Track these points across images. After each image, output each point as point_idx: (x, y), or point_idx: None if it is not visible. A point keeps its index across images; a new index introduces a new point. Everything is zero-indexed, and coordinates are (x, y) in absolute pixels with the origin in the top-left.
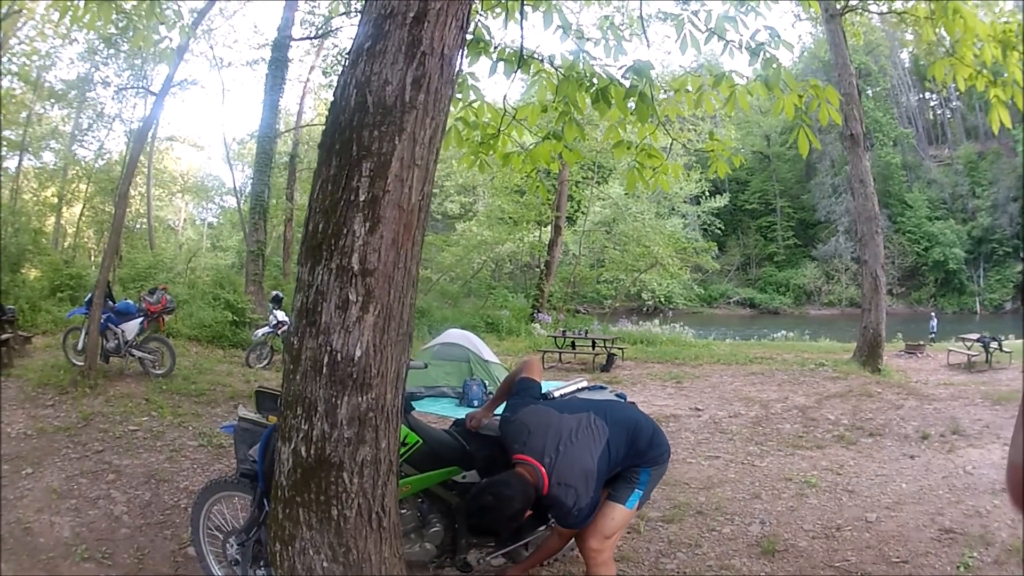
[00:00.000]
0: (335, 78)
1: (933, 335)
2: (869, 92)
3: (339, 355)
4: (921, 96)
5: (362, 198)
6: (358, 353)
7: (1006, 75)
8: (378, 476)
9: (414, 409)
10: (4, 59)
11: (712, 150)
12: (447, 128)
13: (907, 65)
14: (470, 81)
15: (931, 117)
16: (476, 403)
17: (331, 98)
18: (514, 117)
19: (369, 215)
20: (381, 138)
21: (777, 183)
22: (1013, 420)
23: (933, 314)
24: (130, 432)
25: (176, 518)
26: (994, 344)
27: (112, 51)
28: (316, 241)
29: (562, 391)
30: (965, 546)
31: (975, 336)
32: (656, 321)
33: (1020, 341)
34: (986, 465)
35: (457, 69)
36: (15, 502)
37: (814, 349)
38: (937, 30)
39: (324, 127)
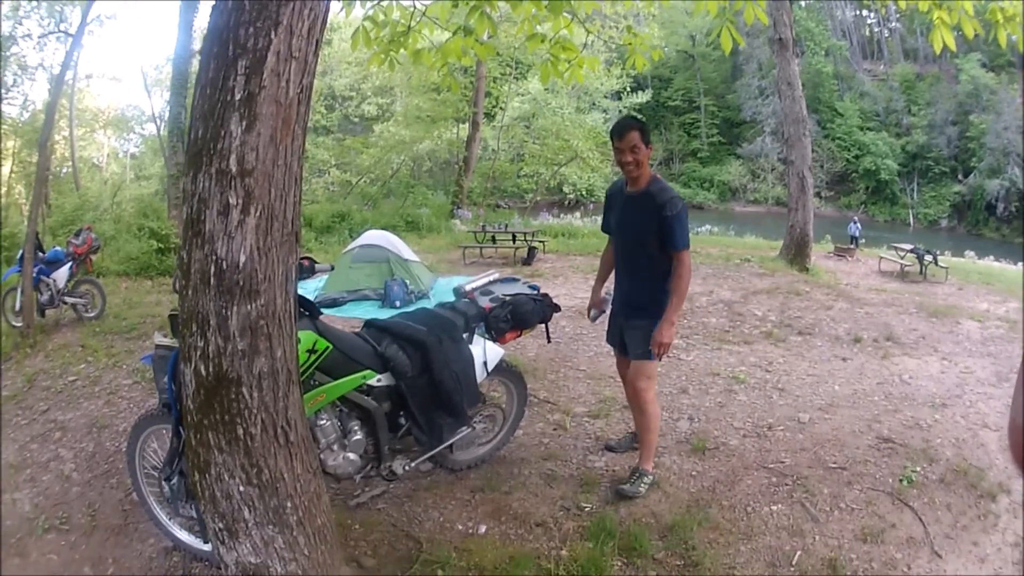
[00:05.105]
0: None
1: (855, 239)
2: (801, 3)
3: (224, 263)
4: (857, 13)
5: (238, 97)
6: (242, 259)
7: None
8: (278, 388)
9: (322, 313)
10: None
11: (630, 44)
12: (356, 30)
13: None
14: None
15: (867, 34)
16: (398, 303)
17: None
18: (424, 14)
19: (246, 113)
20: (257, 34)
21: (702, 82)
22: (950, 334)
23: (855, 219)
24: (70, 384)
25: (119, 464)
26: (928, 257)
27: (35, 4)
28: (196, 148)
29: (473, 284)
30: (907, 459)
31: (909, 247)
32: (577, 214)
33: (957, 259)
34: (924, 377)
35: None
36: None
37: (739, 245)
38: None
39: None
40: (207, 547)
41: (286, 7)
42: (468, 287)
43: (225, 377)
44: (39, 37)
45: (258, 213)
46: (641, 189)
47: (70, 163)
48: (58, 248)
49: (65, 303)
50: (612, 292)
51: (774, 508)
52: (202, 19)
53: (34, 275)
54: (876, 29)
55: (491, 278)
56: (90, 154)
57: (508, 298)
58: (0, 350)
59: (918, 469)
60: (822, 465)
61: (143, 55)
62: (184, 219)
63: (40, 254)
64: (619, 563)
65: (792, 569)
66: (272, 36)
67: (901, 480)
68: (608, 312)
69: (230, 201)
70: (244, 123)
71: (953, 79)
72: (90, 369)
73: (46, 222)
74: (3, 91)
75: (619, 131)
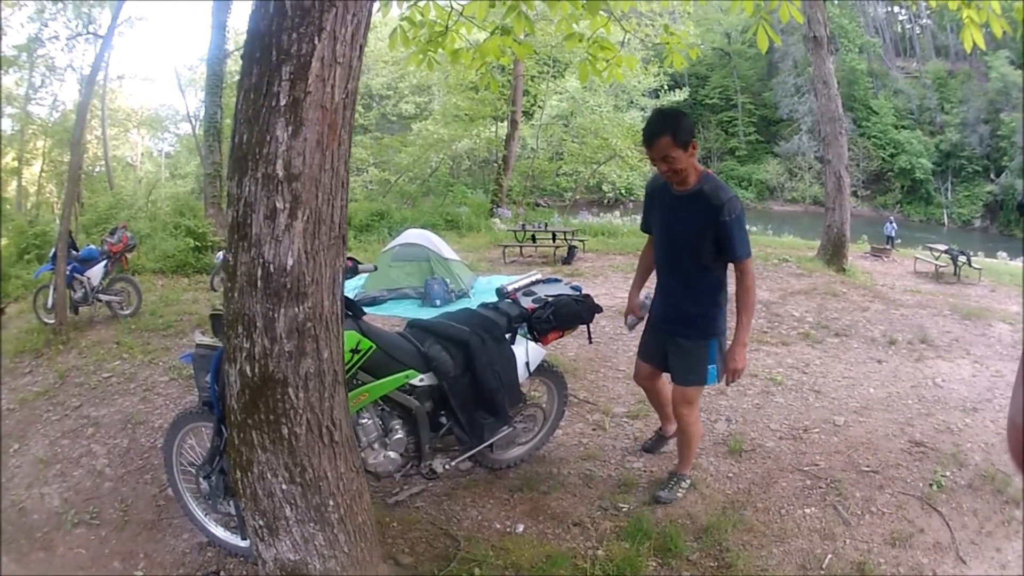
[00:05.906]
0: None
1: (890, 239)
2: (835, 0)
3: (272, 266)
4: (889, 9)
5: (283, 102)
6: (290, 262)
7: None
8: (324, 388)
9: (365, 314)
10: None
11: (668, 43)
12: (393, 30)
13: None
14: None
15: (899, 31)
16: (438, 302)
17: None
18: (461, 14)
19: (291, 119)
20: (300, 40)
21: (738, 80)
22: (983, 336)
23: (891, 219)
24: (104, 380)
25: (154, 460)
26: (963, 258)
27: (61, 5)
28: (242, 152)
29: (516, 285)
30: (937, 463)
31: (943, 247)
32: (617, 213)
33: (990, 259)
34: (956, 380)
35: None
36: (7, 484)
37: (777, 244)
38: None
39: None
40: (243, 543)
41: (329, 13)
42: (511, 288)
43: (271, 378)
44: (67, 39)
45: (305, 217)
46: (692, 188)
47: (103, 162)
48: (92, 246)
49: (100, 300)
50: (650, 296)
51: (807, 511)
52: (235, 19)
53: (68, 273)
54: (907, 26)
55: (533, 278)
56: (124, 153)
57: (551, 299)
58: None
59: (947, 474)
60: (855, 468)
61: (176, 55)
62: (230, 222)
63: (74, 252)
64: (654, 564)
65: (822, 572)
66: (316, 42)
67: (931, 485)
68: (645, 319)
69: (277, 205)
70: (290, 128)
71: (983, 76)
72: (125, 366)
73: (79, 220)
74: (31, 92)
75: (647, 138)
